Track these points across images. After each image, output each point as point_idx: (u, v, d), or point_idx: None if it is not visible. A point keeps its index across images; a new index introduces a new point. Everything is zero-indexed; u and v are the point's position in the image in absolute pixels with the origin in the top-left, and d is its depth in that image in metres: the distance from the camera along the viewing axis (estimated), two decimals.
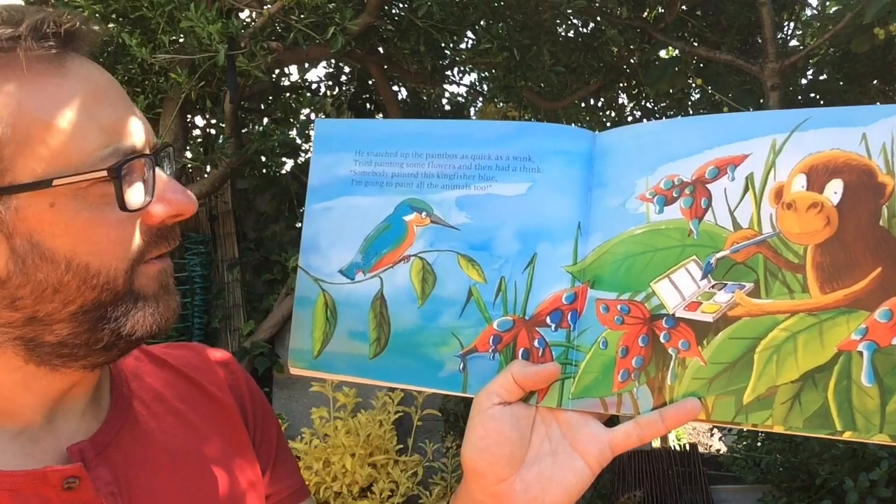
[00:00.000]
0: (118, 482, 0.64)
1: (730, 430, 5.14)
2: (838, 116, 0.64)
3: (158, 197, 0.63)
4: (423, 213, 0.75)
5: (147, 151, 0.63)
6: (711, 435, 6.62)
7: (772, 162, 0.65)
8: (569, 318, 0.70)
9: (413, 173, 0.76)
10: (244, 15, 3.11)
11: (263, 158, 3.89)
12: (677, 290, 0.67)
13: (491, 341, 0.72)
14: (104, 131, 0.59)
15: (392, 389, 3.47)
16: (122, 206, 0.59)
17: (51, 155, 0.57)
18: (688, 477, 5.13)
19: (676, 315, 0.67)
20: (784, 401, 0.62)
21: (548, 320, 0.71)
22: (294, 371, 0.79)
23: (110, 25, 2.97)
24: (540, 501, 0.68)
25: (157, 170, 0.63)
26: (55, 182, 0.56)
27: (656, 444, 5.24)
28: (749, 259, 0.65)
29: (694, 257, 0.67)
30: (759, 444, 4.58)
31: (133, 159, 0.60)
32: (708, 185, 0.67)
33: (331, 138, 0.80)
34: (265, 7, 2.87)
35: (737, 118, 0.67)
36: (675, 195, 0.68)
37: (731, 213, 0.66)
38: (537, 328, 0.71)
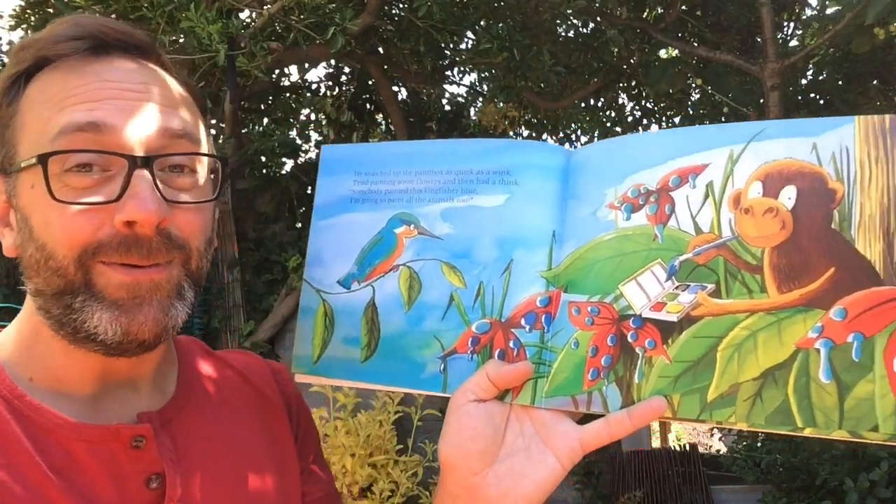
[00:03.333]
0: (178, 451, 0.70)
1: (730, 430, 5.13)
2: (791, 128, 0.67)
3: (123, 201, 0.62)
4: (412, 226, 0.81)
5: (136, 154, 0.63)
6: (711, 435, 6.62)
7: (730, 170, 0.68)
8: (543, 320, 0.73)
9: (403, 189, 0.82)
10: (244, 15, 3.12)
11: (263, 158, 3.91)
12: (644, 291, 0.70)
13: (469, 343, 0.76)
14: (68, 124, 0.62)
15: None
16: (50, 194, 0.61)
17: (30, 142, 0.64)
18: (688, 477, 5.14)
19: (643, 315, 0.69)
20: (746, 398, 0.64)
21: (522, 322, 0.74)
22: (298, 378, 0.85)
23: None
24: (512, 494, 0.70)
25: (140, 174, 0.62)
26: (23, 164, 0.63)
27: (656, 444, 5.25)
28: (710, 261, 0.68)
29: (659, 260, 0.70)
30: (758, 444, 4.57)
31: (62, 153, 0.61)
32: (671, 193, 0.71)
33: (334, 162, 0.88)
34: (265, 7, 2.89)
35: (697, 131, 0.71)
36: (640, 203, 0.72)
37: (693, 219, 0.69)
38: (512, 329, 0.74)
